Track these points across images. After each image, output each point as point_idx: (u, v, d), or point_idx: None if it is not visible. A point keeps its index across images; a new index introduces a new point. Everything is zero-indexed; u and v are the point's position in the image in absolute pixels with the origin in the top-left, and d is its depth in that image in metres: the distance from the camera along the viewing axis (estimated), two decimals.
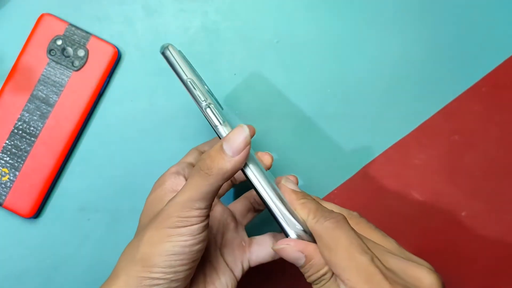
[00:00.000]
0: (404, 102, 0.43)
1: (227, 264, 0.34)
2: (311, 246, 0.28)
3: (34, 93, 0.41)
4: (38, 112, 0.41)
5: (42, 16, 0.41)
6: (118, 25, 0.42)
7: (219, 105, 0.32)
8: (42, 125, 0.41)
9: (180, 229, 0.29)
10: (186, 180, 0.33)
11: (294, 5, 0.43)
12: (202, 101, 0.30)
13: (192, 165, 0.35)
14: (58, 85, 0.41)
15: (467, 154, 0.43)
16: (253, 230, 0.37)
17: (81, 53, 0.41)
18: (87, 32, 0.41)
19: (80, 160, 0.42)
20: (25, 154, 0.41)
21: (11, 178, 0.41)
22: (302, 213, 0.29)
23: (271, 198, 0.30)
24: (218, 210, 0.36)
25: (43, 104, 0.41)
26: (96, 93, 0.41)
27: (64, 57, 0.41)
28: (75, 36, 0.41)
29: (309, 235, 0.29)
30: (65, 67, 0.41)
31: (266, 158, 0.34)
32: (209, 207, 0.29)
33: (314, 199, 0.30)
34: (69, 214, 0.42)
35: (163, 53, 0.30)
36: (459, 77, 0.43)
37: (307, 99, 0.43)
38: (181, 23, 0.43)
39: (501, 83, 0.43)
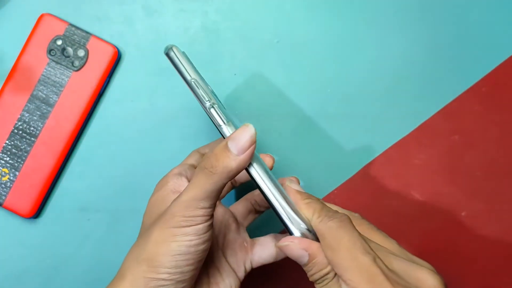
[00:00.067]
0: (404, 102, 0.43)
1: (229, 265, 0.34)
2: (315, 245, 0.29)
3: (34, 93, 0.41)
4: (38, 112, 0.41)
5: (42, 16, 0.41)
6: (118, 25, 0.42)
7: (222, 105, 0.32)
8: (42, 125, 0.41)
9: (185, 228, 0.28)
10: (189, 181, 0.33)
11: (294, 5, 0.43)
12: (206, 101, 0.30)
13: (194, 167, 0.35)
14: (58, 85, 0.41)
15: (467, 154, 0.43)
16: (254, 231, 0.37)
17: (81, 53, 0.41)
18: (87, 32, 0.41)
19: (80, 160, 0.42)
20: (25, 154, 0.41)
21: (11, 178, 0.41)
22: (307, 212, 0.29)
23: (275, 197, 0.30)
24: (219, 211, 0.36)
25: (43, 104, 0.41)
26: (96, 93, 0.41)
27: (64, 57, 0.41)
28: (75, 36, 0.41)
29: (313, 235, 0.29)
30: (65, 67, 0.41)
31: (267, 160, 0.34)
32: (214, 207, 0.29)
33: (319, 200, 0.30)
34: (69, 214, 0.42)
35: (167, 54, 0.31)
36: (459, 77, 0.43)
37: (307, 99, 0.43)
38: (181, 23, 0.43)
39: (501, 83, 0.43)
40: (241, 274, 0.34)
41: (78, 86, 0.41)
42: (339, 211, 0.30)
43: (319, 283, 0.28)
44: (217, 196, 0.29)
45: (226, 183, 0.29)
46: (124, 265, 0.30)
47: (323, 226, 0.28)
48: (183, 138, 0.42)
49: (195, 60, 0.32)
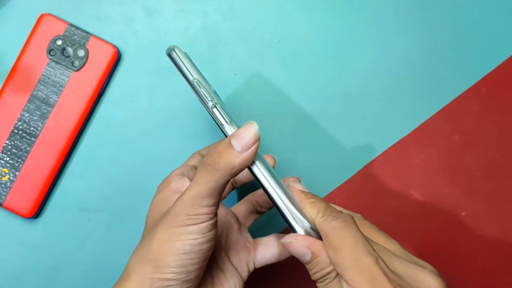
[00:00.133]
0: (404, 102, 0.43)
1: (233, 266, 0.34)
2: (318, 244, 0.29)
3: (34, 93, 0.41)
4: (38, 112, 0.41)
5: (42, 16, 0.41)
6: (118, 25, 0.42)
7: (225, 105, 0.32)
8: (42, 125, 0.41)
9: (189, 227, 0.28)
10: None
11: (294, 5, 0.43)
12: (209, 100, 0.30)
13: (195, 168, 0.35)
14: (58, 85, 0.41)
15: (467, 154, 0.43)
16: (255, 232, 0.37)
17: (81, 53, 0.41)
18: (87, 32, 0.41)
19: (80, 160, 0.42)
20: (25, 154, 0.41)
21: (11, 178, 0.41)
22: (312, 211, 0.29)
23: (278, 196, 0.30)
24: (221, 212, 0.35)
25: (43, 104, 0.41)
26: (96, 93, 0.41)
27: (64, 57, 0.41)
28: (75, 36, 0.41)
29: (316, 233, 0.29)
30: (65, 67, 0.41)
31: (268, 160, 0.34)
32: (217, 204, 0.29)
33: (323, 200, 0.30)
34: (69, 214, 0.42)
35: (169, 55, 0.31)
36: (459, 77, 0.43)
37: (307, 99, 0.43)
38: (181, 23, 0.43)
39: (501, 83, 0.43)
40: (244, 274, 0.34)
41: (78, 86, 0.41)
42: (343, 212, 0.30)
43: (320, 282, 0.28)
44: (220, 194, 0.29)
45: (229, 180, 0.29)
46: (128, 266, 0.30)
47: (327, 225, 0.28)
48: (183, 138, 0.42)
49: (195, 60, 0.32)
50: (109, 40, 0.42)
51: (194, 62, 0.31)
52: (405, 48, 0.43)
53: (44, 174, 0.41)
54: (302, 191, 0.31)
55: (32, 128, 0.41)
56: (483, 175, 0.43)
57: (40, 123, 0.41)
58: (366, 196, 0.43)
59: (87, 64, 0.41)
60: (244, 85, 0.43)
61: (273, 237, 0.36)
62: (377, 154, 0.43)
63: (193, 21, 0.43)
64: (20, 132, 0.41)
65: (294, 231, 0.29)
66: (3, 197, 0.41)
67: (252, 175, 0.37)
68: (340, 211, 0.29)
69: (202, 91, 0.30)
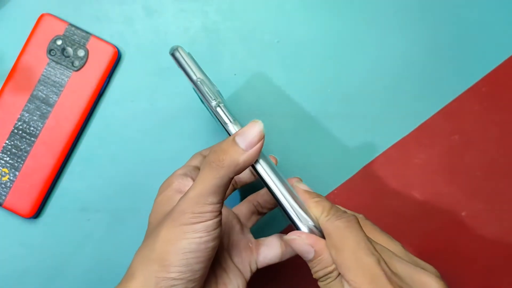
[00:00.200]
0: (404, 102, 0.43)
1: (235, 266, 0.34)
2: (321, 242, 0.29)
3: (34, 93, 0.41)
4: (38, 112, 0.41)
5: (42, 16, 0.41)
6: (118, 25, 0.42)
7: (228, 105, 0.32)
8: (42, 125, 0.41)
9: (194, 225, 0.28)
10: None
11: (294, 5, 0.43)
12: (213, 100, 0.30)
13: (197, 168, 0.35)
14: (58, 85, 0.41)
15: (467, 154, 0.43)
16: (256, 232, 0.37)
17: (81, 53, 0.41)
18: (87, 32, 0.41)
19: (80, 160, 0.42)
20: (25, 154, 0.41)
21: (11, 178, 0.41)
22: (316, 210, 0.29)
23: (282, 194, 0.30)
24: (222, 212, 0.35)
25: (43, 104, 0.41)
26: (96, 93, 0.41)
27: (64, 57, 0.41)
28: (75, 36, 0.41)
29: (320, 232, 0.29)
30: (65, 67, 0.41)
31: None
32: (222, 202, 0.29)
33: (327, 199, 0.30)
34: (69, 214, 0.42)
35: (172, 55, 0.31)
36: (459, 77, 0.43)
37: (307, 99, 0.43)
38: (181, 23, 0.42)
39: (501, 83, 0.43)
40: (247, 274, 0.34)
41: (78, 86, 0.41)
42: (347, 212, 0.30)
43: (322, 281, 0.28)
44: (224, 191, 0.29)
45: (233, 177, 0.29)
46: (132, 266, 0.30)
47: (330, 225, 0.28)
48: (183, 138, 0.42)
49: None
50: (109, 40, 0.42)
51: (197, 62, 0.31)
52: (405, 48, 0.43)
53: (44, 174, 0.41)
54: (307, 191, 0.31)
55: (32, 128, 0.41)
56: (483, 175, 0.43)
57: (40, 123, 0.41)
58: (366, 196, 0.43)
59: (87, 64, 0.41)
60: (244, 85, 0.42)
61: (276, 238, 0.36)
62: (377, 154, 0.43)
63: (193, 21, 0.43)
64: (20, 132, 0.41)
65: (297, 228, 0.29)
66: (3, 197, 0.41)
67: (253, 175, 0.37)
68: (345, 211, 0.29)
69: (205, 90, 0.30)
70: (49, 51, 0.41)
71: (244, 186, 0.38)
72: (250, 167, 0.30)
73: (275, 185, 0.30)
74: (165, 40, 0.42)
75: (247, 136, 0.29)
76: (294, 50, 0.43)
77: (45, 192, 0.41)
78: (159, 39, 0.42)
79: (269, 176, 0.30)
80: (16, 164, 0.41)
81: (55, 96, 0.41)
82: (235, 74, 0.43)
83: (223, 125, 0.30)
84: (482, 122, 0.43)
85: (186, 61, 0.31)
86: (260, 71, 0.43)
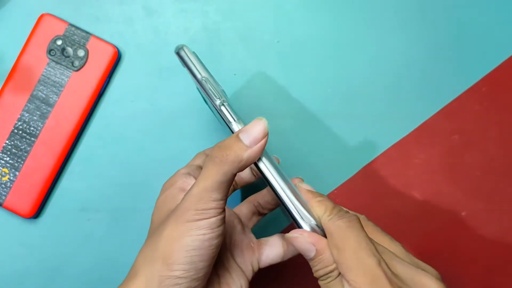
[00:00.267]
0: (404, 102, 0.43)
1: (238, 266, 0.34)
2: (323, 241, 0.29)
3: (34, 93, 0.41)
4: (38, 112, 0.41)
5: (42, 16, 0.41)
6: (118, 25, 0.42)
7: (232, 104, 0.32)
8: (42, 125, 0.41)
9: (198, 222, 0.28)
10: None
11: (294, 5, 0.43)
12: (217, 98, 0.30)
13: (200, 168, 0.35)
14: (58, 85, 0.41)
15: (467, 154, 0.43)
16: (257, 233, 0.37)
17: (81, 53, 0.41)
18: (87, 32, 0.41)
19: (80, 160, 0.42)
20: (25, 154, 0.41)
21: (11, 178, 0.41)
22: (319, 210, 0.29)
23: (285, 192, 0.30)
24: None
25: (43, 104, 0.41)
26: (96, 93, 0.41)
27: (64, 57, 0.41)
28: (75, 36, 0.41)
29: (322, 231, 0.29)
30: (65, 67, 0.41)
31: None
32: (225, 199, 0.29)
33: (330, 199, 0.30)
34: (69, 214, 0.42)
35: (178, 53, 0.31)
36: (459, 77, 0.43)
37: (307, 99, 0.43)
38: (181, 23, 0.42)
39: (501, 83, 0.43)
40: (249, 274, 0.34)
41: (78, 86, 0.41)
42: (350, 212, 0.30)
43: (322, 280, 0.29)
44: (227, 188, 0.29)
45: (236, 173, 0.29)
46: (136, 265, 0.30)
47: (332, 224, 0.28)
48: (183, 138, 0.42)
49: None
50: (109, 40, 0.42)
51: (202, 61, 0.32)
52: (405, 48, 0.43)
53: (44, 174, 0.41)
54: (309, 190, 0.31)
55: (32, 128, 0.41)
56: (483, 175, 0.43)
57: (40, 123, 0.41)
58: (366, 196, 0.43)
59: (87, 64, 0.41)
60: (244, 85, 0.42)
61: (278, 237, 0.36)
62: (377, 154, 0.43)
63: (193, 21, 0.43)
64: (20, 132, 0.41)
65: (299, 227, 0.29)
66: (3, 197, 0.41)
67: (253, 176, 0.37)
68: (347, 211, 0.30)
69: (210, 89, 0.30)
70: (49, 51, 0.41)
71: (244, 186, 0.38)
72: (253, 165, 0.30)
73: (278, 183, 0.30)
74: (165, 40, 0.42)
75: (251, 132, 0.29)
76: (294, 50, 0.43)
77: (45, 192, 0.41)
78: (159, 39, 0.42)
79: (272, 175, 0.30)
80: (16, 164, 0.41)
81: (55, 96, 0.41)
82: (235, 74, 0.43)
83: (227, 124, 0.30)
84: (482, 122, 0.43)
85: (191, 60, 0.31)
86: (260, 71, 0.43)
